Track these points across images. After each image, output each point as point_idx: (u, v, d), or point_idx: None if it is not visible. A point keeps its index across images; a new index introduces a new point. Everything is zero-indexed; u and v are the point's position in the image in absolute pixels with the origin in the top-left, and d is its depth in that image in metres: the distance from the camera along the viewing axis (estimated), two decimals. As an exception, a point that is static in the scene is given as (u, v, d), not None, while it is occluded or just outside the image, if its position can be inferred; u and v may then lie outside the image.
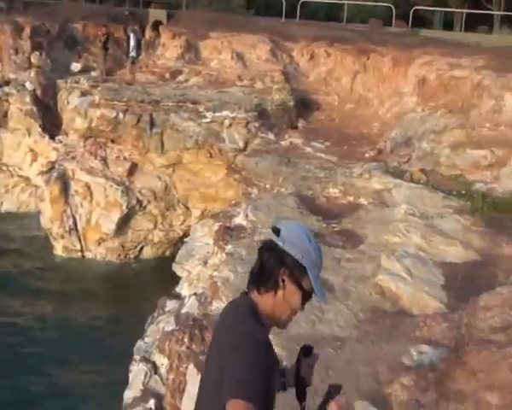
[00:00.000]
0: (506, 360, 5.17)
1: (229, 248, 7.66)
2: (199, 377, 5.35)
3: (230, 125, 13.17)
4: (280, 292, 2.20)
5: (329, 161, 11.59)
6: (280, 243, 2.20)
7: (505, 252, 7.42)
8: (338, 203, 9.38)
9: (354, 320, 6.35)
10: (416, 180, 9.95)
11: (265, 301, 2.22)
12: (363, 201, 9.30)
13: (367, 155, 12.28)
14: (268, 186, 10.65)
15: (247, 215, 8.58)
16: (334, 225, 8.54)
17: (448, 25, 29.66)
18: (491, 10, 29.41)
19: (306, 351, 2.37)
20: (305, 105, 15.53)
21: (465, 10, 28.19)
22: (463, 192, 9.35)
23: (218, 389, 2.01)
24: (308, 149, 12.52)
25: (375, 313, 6.48)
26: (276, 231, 2.23)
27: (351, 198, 9.43)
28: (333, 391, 2.18)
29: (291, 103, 14.83)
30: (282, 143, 12.88)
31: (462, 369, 5.23)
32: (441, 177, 10.23)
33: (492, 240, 7.69)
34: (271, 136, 13.18)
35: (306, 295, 2.24)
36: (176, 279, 8.70)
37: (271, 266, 2.20)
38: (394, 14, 25.01)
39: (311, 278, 2.21)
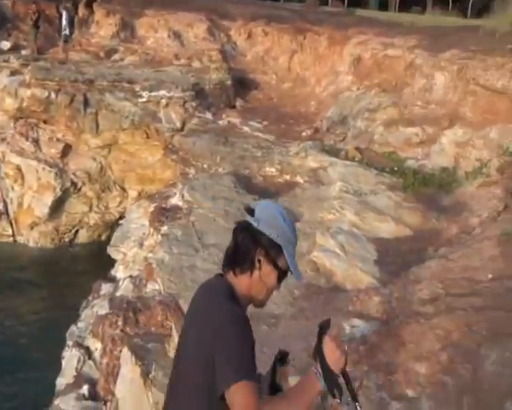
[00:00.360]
0: (433, 330, 5.34)
1: (164, 229, 7.59)
2: (133, 359, 5.32)
3: (167, 104, 12.98)
4: (256, 272, 2.16)
5: (267, 140, 11.61)
6: (254, 223, 2.14)
7: (435, 227, 7.66)
8: (275, 182, 9.43)
9: (289, 297, 6.42)
10: (351, 158, 10.11)
11: (241, 282, 2.18)
12: (299, 179, 9.38)
13: (304, 133, 12.36)
14: (205, 166, 10.58)
15: (183, 196, 8.51)
16: (271, 204, 8.57)
17: (383, 5, 30.07)
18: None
19: (282, 358, 2.30)
20: (242, 84, 15.47)
21: (401, -10, 28.65)
22: (396, 169, 9.56)
23: (204, 377, 1.99)
24: (246, 129, 12.49)
25: (310, 289, 6.57)
26: (250, 211, 2.18)
27: (287, 177, 9.50)
28: (324, 327, 2.16)
29: (229, 82, 14.74)
30: (220, 122, 12.81)
31: (392, 341, 5.37)
32: (375, 154, 10.42)
33: (423, 215, 7.91)
34: (209, 115, 13.09)
35: (282, 274, 2.21)
36: (112, 263, 8.56)
37: (246, 246, 2.15)
38: (327, -6, 25.21)
39: (287, 257, 2.19)
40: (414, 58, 13.52)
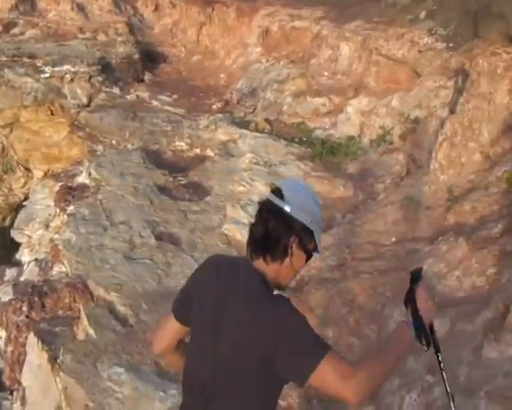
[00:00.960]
0: (341, 295, 5.51)
1: (71, 209, 7.37)
2: (39, 344, 5.16)
3: (72, 80, 12.48)
4: (287, 259, 2.09)
5: (177, 114, 11.45)
6: (287, 208, 2.03)
7: (341, 194, 7.86)
8: (185, 156, 9.34)
9: (201, 271, 6.41)
10: (261, 130, 10.15)
11: (271, 269, 2.10)
12: (209, 152, 9.33)
13: (214, 106, 12.28)
14: (114, 142, 10.32)
15: (90, 173, 8.27)
16: (180, 178, 8.51)
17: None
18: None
19: (416, 277, 2.13)
20: (151, 58, 15.12)
21: (307, -39, 28.82)
22: (305, 139, 9.70)
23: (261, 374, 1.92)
24: (155, 103, 12.25)
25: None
26: (278, 193, 2.06)
27: (197, 150, 9.43)
28: (416, 276, 2.10)
29: (136, 56, 14.35)
30: (128, 97, 12.47)
31: (301, 308, 5.48)
32: (284, 125, 10.51)
33: (331, 183, 8.08)
34: (116, 90, 12.70)
35: (309, 257, 2.18)
36: (17, 247, 8.24)
37: (279, 233, 2.05)
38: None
39: (317, 241, 2.15)
40: (320, 29, 13.67)
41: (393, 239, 6.14)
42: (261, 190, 7.93)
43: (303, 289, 5.77)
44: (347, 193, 7.84)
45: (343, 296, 5.44)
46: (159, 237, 6.91)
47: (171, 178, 8.36)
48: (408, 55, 10.41)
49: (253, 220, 2.15)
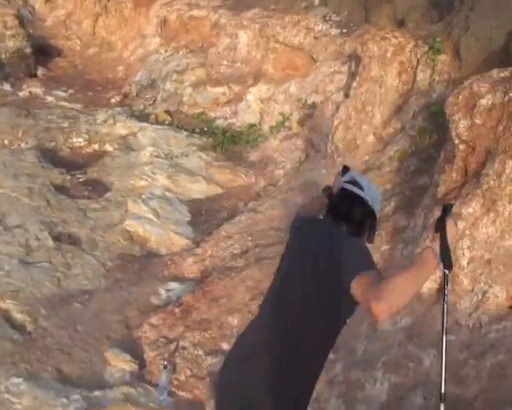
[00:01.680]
0: (244, 283, 5.55)
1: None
2: None
3: (-42, 78, 11.82)
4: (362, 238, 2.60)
5: (73, 110, 11.05)
6: (369, 200, 2.59)
7: (243, 182, 7.91)
8: (83, 153, 9.05)
9: (103, 270, 6.28)
10: (161, 122, 10.01)
11: None
12: (108, 147, 9.09)
13: (113, 100, 11.96)
14: (6, 142, 9.79)
15: (-21, 176, 7.84)
16: (79, 175, 8.25)
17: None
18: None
19: (447, 209, 2.36)
20: (44, 51, 14.49)
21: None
22: (206, 129, 9.66)
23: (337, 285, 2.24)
24: (50, 99, 11.77)
25: (124, 258, 6.48)
26: (356, 184, 2.60)
27: (96, 146, 9.16)
28: (447, 209, 2.34)
29: (28, 50, 13.69)
30: (21, 93, 11.91)
31: (205, 299, 5.49)
32: (185, 116, 10.42)
33: (232, 172, 8.12)
34: (7, 87, 12.10)
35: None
36: None
37: (361, 220, 2.59)
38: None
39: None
40: (218, 18, 13.61)
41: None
42: (163, 183, 7.84)
43: (207, 280, 5.77)
44: (249, 181, 7.90)
45: (247, 284, 5.49)
46: (57, 239, 6.67)
47: (68, 177, 8.08)
48: (304, 41, 10.57)
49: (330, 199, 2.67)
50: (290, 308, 2.39)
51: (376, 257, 4.87)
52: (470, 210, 3.98)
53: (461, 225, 3.95)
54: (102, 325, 5.38)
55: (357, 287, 2.18)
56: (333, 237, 2.45)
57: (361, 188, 2.60)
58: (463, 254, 3.89)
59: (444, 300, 2.39)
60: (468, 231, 3.92)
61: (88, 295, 5.81)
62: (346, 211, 2.58)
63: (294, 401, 2.31)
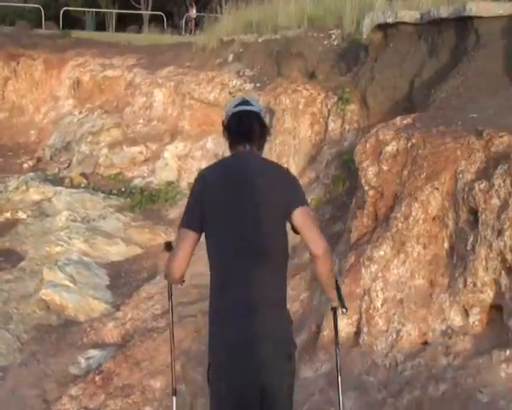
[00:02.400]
0: (166, 343, 5.39)
1: None
2: None
3: None
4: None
5: (-17, 178, 10.70)
6: (260, 112, 2.74)
7: (163, 241, 7.78)
8: (-7, 222, 8.72)
9: (17, 343, 5.97)
10: (77, 185, 9.83)
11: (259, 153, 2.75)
12: (21, 215, 8.80)
13: (25, 165, 11.68)
14: None
15: None
16: (-11, 247, 7.92)
17: (100, 26, 29.98)
18: (140, 10, 30.71)
19: None
20: None
21: (115, 10, 28.94)
22: (123, 190, 9.57)
23: (281, 211, 2.51)
24: (-45, 168, 11.37)
25: (40, 329, 6.20)
26: (247, 102, 2.72)
27: (7, 214, 8.84)
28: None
29: None
30: None
31: (126, 363, 5.31)
32: (101, 177, 10.29)
33: (151, 231, 8.02)
34: None
35: None
36: None
37: (262, 133, 2.74)
38: (44, 15, 24.34)
39: None
40: (133, 77, 13.68)
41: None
42: (80, 248, 7.63)
43: (128, 344, 5.59)
44: (168, 239, 7.79)
45: (169, 344, 5.35)
46: (-34, 315, 6.31)
47: (-22, 248, 7.73)
48: (219, 97, 10.74)
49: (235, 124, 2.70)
50: (250, 247, 2.51)
51: (296, 306, 4.92)
52: (381, 253, 4.08)
53: (373, 268, 4.04)
54: (19, 401, 5.08)
55: (307, 216, 2.52)
56: (264, 167, 2.65)
57: (251, 104, 2.72)
58: (377, 295, 3.97)
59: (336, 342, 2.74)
60: (380, 274, 4.02)
61: (2, 372, 5.49)
62: (247, 128, 2.66)
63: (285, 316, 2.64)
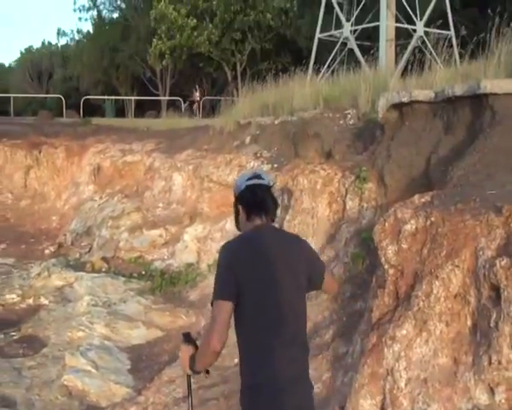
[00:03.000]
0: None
1: None
2: None
3: None
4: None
5: (6, 264, 10.86)
6: (271, 186, 2.93)
7: (184, 323, 7.81)
8: (16, 309, 8.79)
9: (38, 434, 5.91)
10: (98, 269, 9.94)
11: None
12: (44, 301, 8.89)
13: (47, 251, 11.87)
14: None
15: None
16: (13, 333, 7.96)
17: (120, 112, 30.97)
18: (159, 96, 31.76)
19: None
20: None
21: (134, 97, 29.97)
22: (144, 273, 9.65)
23: (306, 280, 2.75)
24: (-20, 255, 11.57)
25: (62, 418, 6.15)
26: (259, 176, 2.87)
27: (30, 301, 8.94)
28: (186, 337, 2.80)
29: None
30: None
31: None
32: (122, 261, 10.40)
33: (172, 314, 8.03)
34: None
35: None
36: None
37: (275, 204, 2.90)
38: (65, 104, 25.29)
39: None
40: (152, 161, 14.03)
41: (236, 361, 6.15)
42: (101, 332, 7.65)
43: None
44: (189, 321, 7.82)
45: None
46: (-11, 403, 6.29)
47: (1, 335, 7.78)
48: (237, 179, 10.93)
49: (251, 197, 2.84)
50: (285, 320, 2.64)
51: (318, 386, 4.86)
52: (404, 332, 4.07)
53: (396, 347, 4.02)
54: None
55: (332, 280, 3.08)
56: (286, 239, 2.90)
57: (262, 178, 2.88)
58: (401, 375, 3.93)
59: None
60: (403, 353, 3.99)
61: None
62: (262, 201, 2.82)
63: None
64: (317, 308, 6.19)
